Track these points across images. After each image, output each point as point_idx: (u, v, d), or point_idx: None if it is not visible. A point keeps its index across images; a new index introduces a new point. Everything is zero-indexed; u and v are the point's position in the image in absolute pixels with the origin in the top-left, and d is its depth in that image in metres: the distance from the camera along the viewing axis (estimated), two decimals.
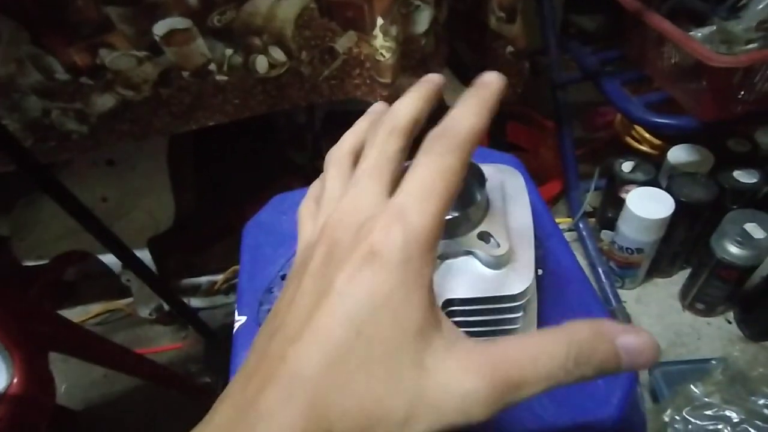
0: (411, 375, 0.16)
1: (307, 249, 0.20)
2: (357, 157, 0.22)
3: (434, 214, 0.17)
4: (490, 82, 0.20)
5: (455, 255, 0.32)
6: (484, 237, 0.32)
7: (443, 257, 0.32)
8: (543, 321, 0.36)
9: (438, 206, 0.17)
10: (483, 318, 0.32)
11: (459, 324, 0.33)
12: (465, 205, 0.35)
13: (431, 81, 0.22)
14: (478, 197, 0.33)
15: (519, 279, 0.31)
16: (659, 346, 0.17)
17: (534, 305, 0.36)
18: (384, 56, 0.59)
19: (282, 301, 0.19)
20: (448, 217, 0.32)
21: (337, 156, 0.23)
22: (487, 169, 0.33)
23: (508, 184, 0.35)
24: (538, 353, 0.16)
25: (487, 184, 0.33)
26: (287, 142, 1.18)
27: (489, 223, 0.32)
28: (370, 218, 0.18)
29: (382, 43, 0.58)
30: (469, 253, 0.32)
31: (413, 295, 0.16)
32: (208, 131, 0.75)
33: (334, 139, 0.25)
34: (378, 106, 0.25)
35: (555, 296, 0.37)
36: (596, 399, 0.32)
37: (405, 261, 0.16)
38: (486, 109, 0.19)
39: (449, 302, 0.31)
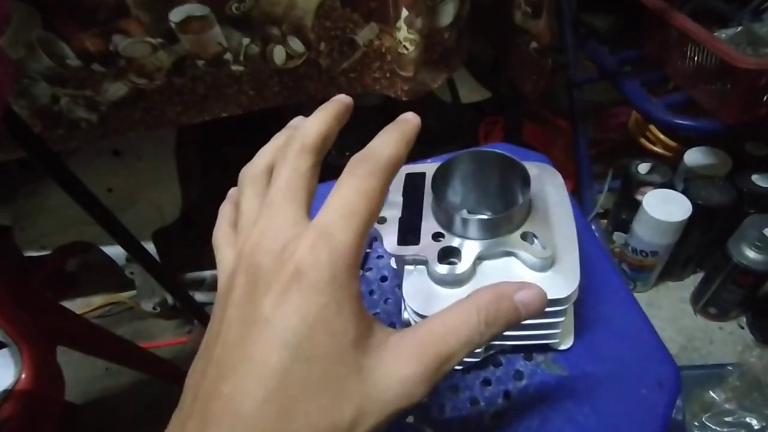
0: (353, 381, 0.17)
1: (229, 278, 0.20)
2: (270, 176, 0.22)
3: (358, 231, 0.18)
4: (410, 119, 0.21)
5: (495, 256, 0.31)
6: (528, 238, 0.30)
7: (482, 258, 0.31)
8: (581, 322, 0.35)
9: (361, 224, 0.18)
10: (524, 322, 0.31)
11: None
12: (508, 205, 0.33)
13: (341, 101, 0.23)
14: (522, 197, 0.31)
15: (564, 282, 0.29)
16: (546, 295, 0.20)
17: (572, 308, 0.35)
18: (407, 49, 0.58)
19: (209, 335, 0.19)
20: (490, 217, 0.30)
21: (252, 174, 0.22)
22: (530, 169, 0.32)
23: (549, 184, 0.34)
24: (456, 325, 0.19)
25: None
26: None
27: (532, 224, 0.31)
28: (292, 238, 0.18)
29: (406, 36, 0.57)
30: (509, 254, 0.31)
31: (344, 309, 0.17)
32: (214, 123, 0.74)
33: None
34: (297, 121, 0.24)
35: (590, 297, 0.36)
36: (641, 409, 0.31)
37: (333, 277, 0.17)
38: (405, 142, 0.20)
39: None
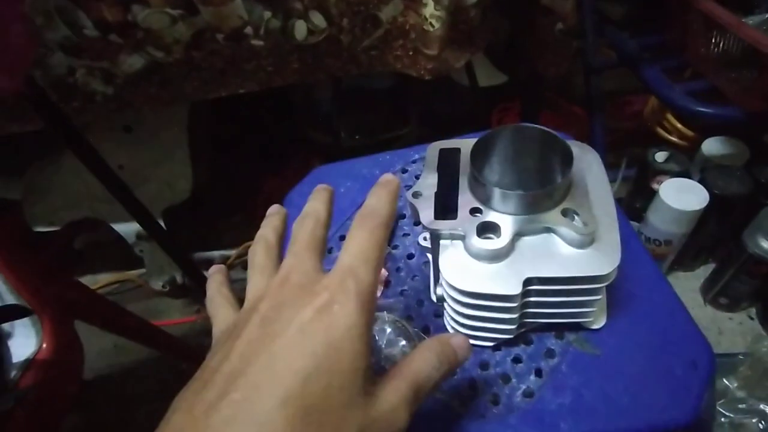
0: (360, 402, 0.19)
1: (238, 319, 0.22)
2: (280, 245, 0.27)
3: (375, 272, 0.22)
4: (392, 180, 0.25)
5: (534, 232, 0.31)
6: (569, 214, 0.30)
7: (520, 234, 0.30)
8: (613, 302, 0.35)
9: (376, 267, 0.22)
10: (561, 299, 0.31)
11: (533, 304, 0.32)
12: (548, 181, 0.33)
13: (327, 193, 0.27)
14: (562, 174, 0.31)
15: (605, 260, 0.29)
16: (470, 346, 0.25)
17: (604, 287, 0.35)
18: (433, 26, 0.57)
19: (210, 362, 0.20)
20: (530, 192, 0.30)
21: (265, 242, 0.27)
22: (572, 147, 0.31)
23: (588, 163, 0.34)
24: (422, 362, 0.23)
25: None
26: (304, 118, 1.15)
27: (572, 201, 0.31)
28: (320, 279, 0.21)
29: (432, 12, 0.55)
30: (548, 230, 0.31)
31: (363, 336, 0.20)
32: (227, 104, 0.73)
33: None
34: (276, 214, 0.29)
35: (622, 276, 0.35)
36: (676, 389, 0.31)
37: (359, 306, 0.20)
38: (394, 200, 0.25)
39: (528, 281, 0.29)
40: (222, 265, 0.29)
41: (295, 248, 0.23)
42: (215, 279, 0.28)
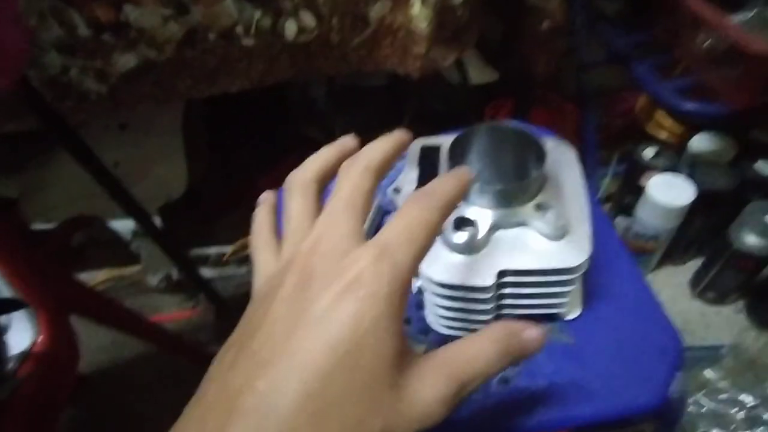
0: (386, 396, 0.17)
1: (273, 278, 0.20)
2: (320, 186, 0.24)
3: (416, 257, 0.19)
4: (465, 173, 0.23)
5: (509, 226, 0.32)
6: (542, 208, 0.31)
7: (496, 227, 0.32)
8: (588, 293, 0.36)
9: (419, 250, 0.19)
10: (535, 290, 0.32)
11: (509, 296, 0.33)
12: (522, 177, 0.34)
13: (402, 136, 0.24)
14: (536, 170, 0.32)
15: (577, 251, 0.30)
16: (544, 335, 0.21)
17: (580, 278, 0.36)
18: (420, 26, 0.58)
19: (246, 326, 0.19)
20: (505, 188, 0.31)
21: (302, 182, 0.24)
22: (545, 143, 0.32)
23: (562, 158, 0.35)
24: (474, 355, 0.20)
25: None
26: (300, 115, 1.16)
27: (546, 195, 0.32)
28: (352, 248, 0.19)
29: (419, 12, 0.56)
30: (522, 223, 0.32)
31: (393, 325, 0.18)
32: (222, 100, 0.74)
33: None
34: (347, 140, 0.26)
35: (598, 268, 0.37)
36: (644, 375, 0.32)
37: (390, 294, 0.18)
38: (462, 189, 0.22)
39: (503, 273, 0.31)
40: (270, 195, 0.27)
41: (332, 204, 0.21)
42: (259, 219, 0.26)
